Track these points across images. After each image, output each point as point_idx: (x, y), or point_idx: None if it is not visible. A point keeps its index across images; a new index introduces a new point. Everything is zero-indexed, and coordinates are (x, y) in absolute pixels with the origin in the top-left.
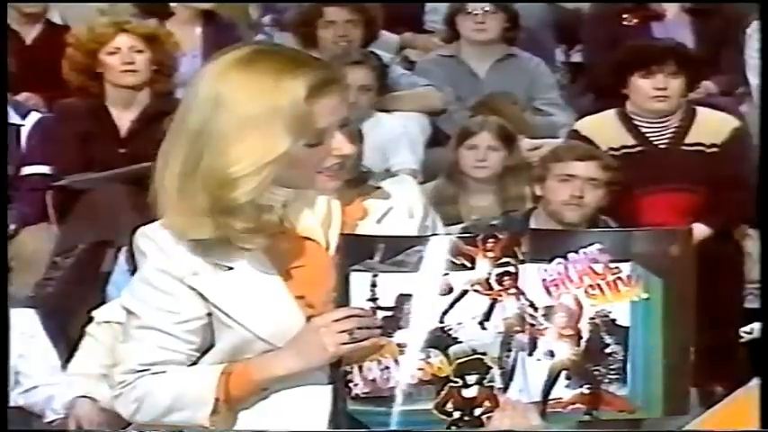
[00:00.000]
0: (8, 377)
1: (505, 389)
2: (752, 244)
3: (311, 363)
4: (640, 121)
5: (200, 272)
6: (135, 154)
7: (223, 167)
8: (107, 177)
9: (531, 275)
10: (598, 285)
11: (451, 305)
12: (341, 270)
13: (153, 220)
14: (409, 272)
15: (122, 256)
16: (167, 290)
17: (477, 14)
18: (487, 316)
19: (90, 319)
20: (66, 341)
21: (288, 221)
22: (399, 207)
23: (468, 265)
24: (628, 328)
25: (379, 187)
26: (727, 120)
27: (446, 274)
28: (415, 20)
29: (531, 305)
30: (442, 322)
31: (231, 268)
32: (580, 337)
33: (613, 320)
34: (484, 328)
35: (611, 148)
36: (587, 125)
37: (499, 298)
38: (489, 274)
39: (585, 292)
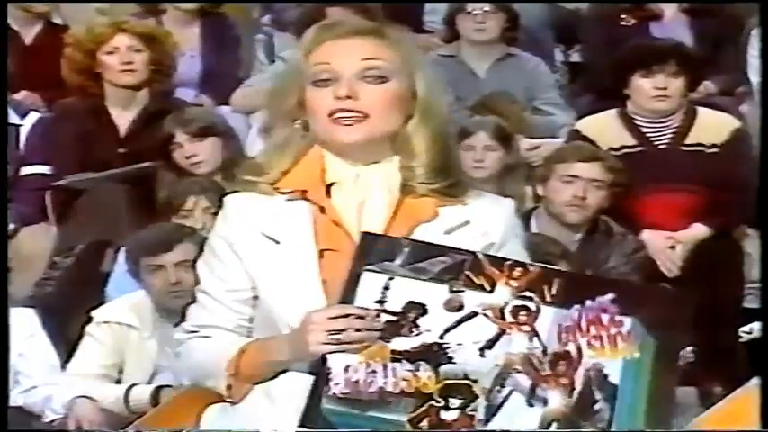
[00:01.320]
0: (8, 377)
1: (486, 422)
2: (751, 244)
3: (298, 356)
4: (641, 121)
5: (250, 241)
6: (134, 154)
7: None
8: (106, 177)
9: (551, 320)
10: (600, 337)
11: (457, 323)
12: (354, 268)
13: (154, 220)
14: (427, 280)
15: (122, 256)
16: (221, 256)
17: (477, 14)
18: (491, 345)
19: (89, 319)
20: (66, 341)
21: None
22: (477, 224)
23: (487, 287)
24: (617, 385)
25: (463, 198)
26: (727, 120)
27: (461, 291)
28: (414, 20)
29: (544, 351)
30: (441, 338)
31: (278, 242)
32: (573, 388)
33: (605, 376)
34: (482, 356)
35: (612, 148)
36: (588, 125)
37: (508, 330)
38: (506, 303)
39: (588, 342)
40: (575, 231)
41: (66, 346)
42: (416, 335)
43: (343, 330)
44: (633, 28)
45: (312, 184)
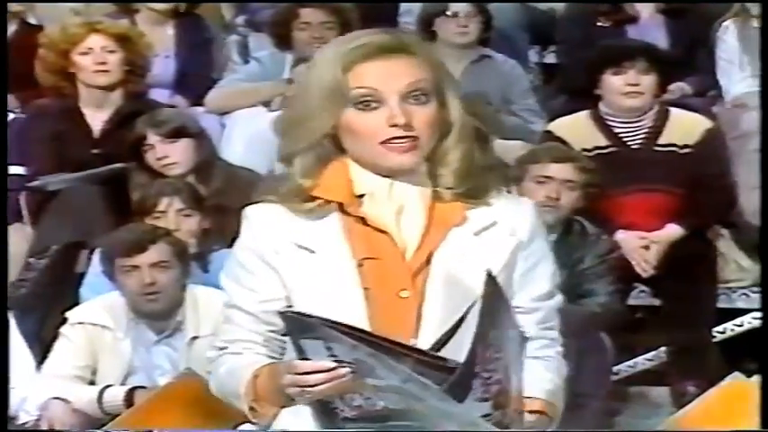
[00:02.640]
0: (8, 378)
1: None
2: (725, 244)
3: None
4: (613, 121)
5: (282, 252)
6: (108, 154)
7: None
8: (81, 178)
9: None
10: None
11: (405, 379)
12: (293, 340)
13: (128, 221)
14: (353, 348)
15: (96, 257)
16: (250, 268)
17: (459, 17)
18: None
19: (64, 320)
20: (41, 342)
21: (364, 212)
22: (504, 224)
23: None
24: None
25: (488, 200)
26: (700, 121)
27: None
28: (388, 20)
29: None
30: (404, 384)
31: (313, 252)
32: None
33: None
34: (445, 401)
35: (584, 149)
36: (561, 126)
37: None
38: None
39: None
40: (549, 232)
41: (41, 347)
42: (382, 378)
43: (314, 384)
44: (609, 30)
45: (343, 195)
